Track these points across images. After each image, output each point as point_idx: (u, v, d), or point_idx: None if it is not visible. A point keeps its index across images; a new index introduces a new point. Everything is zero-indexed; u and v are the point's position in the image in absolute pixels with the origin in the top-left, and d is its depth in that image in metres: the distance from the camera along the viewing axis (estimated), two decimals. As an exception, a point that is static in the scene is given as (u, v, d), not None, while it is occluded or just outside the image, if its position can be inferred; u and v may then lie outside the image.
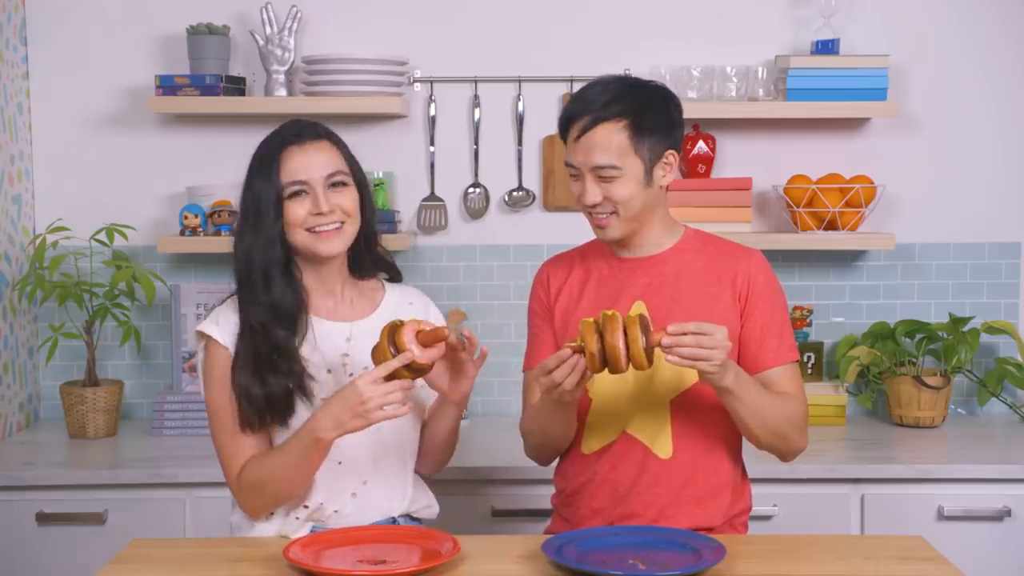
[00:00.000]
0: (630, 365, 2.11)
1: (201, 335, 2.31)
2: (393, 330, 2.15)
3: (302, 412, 2.25)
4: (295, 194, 2.26)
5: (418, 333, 2.14)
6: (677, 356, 2.12)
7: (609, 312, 2.12)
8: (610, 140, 2.27)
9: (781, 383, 2.34)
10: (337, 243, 2.29)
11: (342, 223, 2.28)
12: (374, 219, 2.39)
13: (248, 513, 2.30)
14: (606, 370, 2.12)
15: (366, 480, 2.33)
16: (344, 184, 2.29)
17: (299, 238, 2.27)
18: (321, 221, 2.26)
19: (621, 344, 2.09)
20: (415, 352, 2.12)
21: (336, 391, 2.19)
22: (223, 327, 2.30)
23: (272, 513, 2.30)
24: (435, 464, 2.46)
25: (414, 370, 2.14)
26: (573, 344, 2.13)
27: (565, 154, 2.35)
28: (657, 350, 2.14)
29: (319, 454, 2.19)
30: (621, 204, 2.30)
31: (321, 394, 2.27)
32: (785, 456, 2.40)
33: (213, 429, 2.31)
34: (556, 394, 2.18)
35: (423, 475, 2.46)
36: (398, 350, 2.13)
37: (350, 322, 2.35)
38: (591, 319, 2.13)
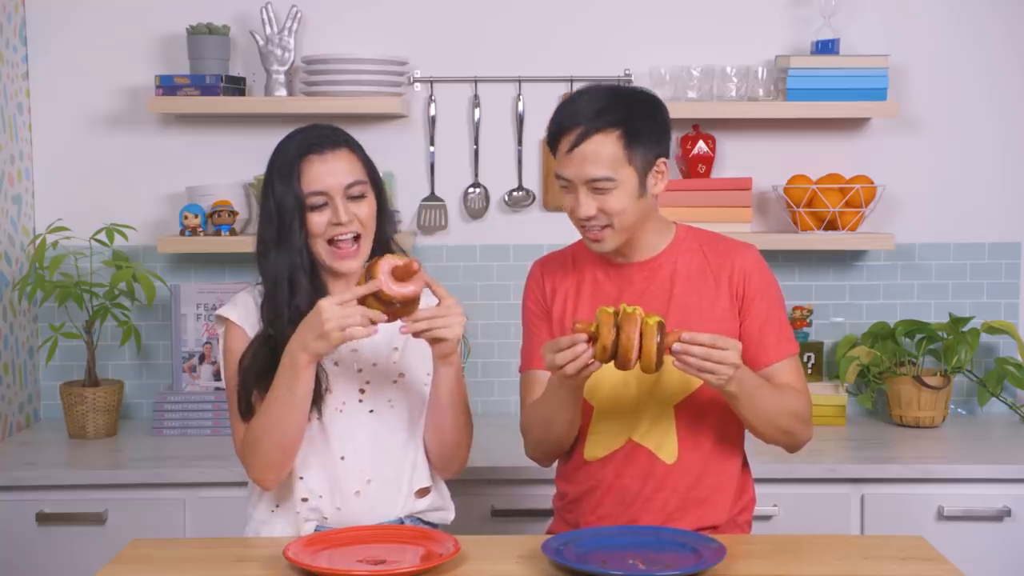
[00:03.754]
0: (638, 365, 2.11)
1: (221, 319, 2.37)
2: (372, 263, 2.17)
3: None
4: (316, 206, 2.29)
5: (394, 268, 2.15)
6: (683, 364, 2.13)
7: (630, 308, 2.11)
8: (604, 151, 2.24)
9: (783, 376, 2.35)
10: (352, 263, 2.33)
11: (359, 235, 2.32)
12: (388, 222, 2.42)
13: (259, 482, 2.30)
14: (612, 364, 2.11)
15: (370, 479, 2.33)
16: (363, 196, 2.33)
17: (320, 249, 2.31)
18: (340, 231, 2.30)
19: (636, 343, 2.09)
20: (383, 280, 2.12)
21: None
22: (241, 309, 2.36)
23: (284, 483, 2.31)
24: (443, 445, 2.37)
25: (387, 303, 2.14)
26: (587, 329, 2.12)
27: (556, 167, 2.31)
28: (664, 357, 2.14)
29: (297, 383, 2.19)
30: (616, 216, 2.27)
31: (326, 384, 2.31)
32: (791, 448, 2.41)
33: (229, 405, 2.36)
34: (558, 375, 2.17)
35: (441, 476, 2.45)
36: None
37: None
38: (611, 308, 2.12)
